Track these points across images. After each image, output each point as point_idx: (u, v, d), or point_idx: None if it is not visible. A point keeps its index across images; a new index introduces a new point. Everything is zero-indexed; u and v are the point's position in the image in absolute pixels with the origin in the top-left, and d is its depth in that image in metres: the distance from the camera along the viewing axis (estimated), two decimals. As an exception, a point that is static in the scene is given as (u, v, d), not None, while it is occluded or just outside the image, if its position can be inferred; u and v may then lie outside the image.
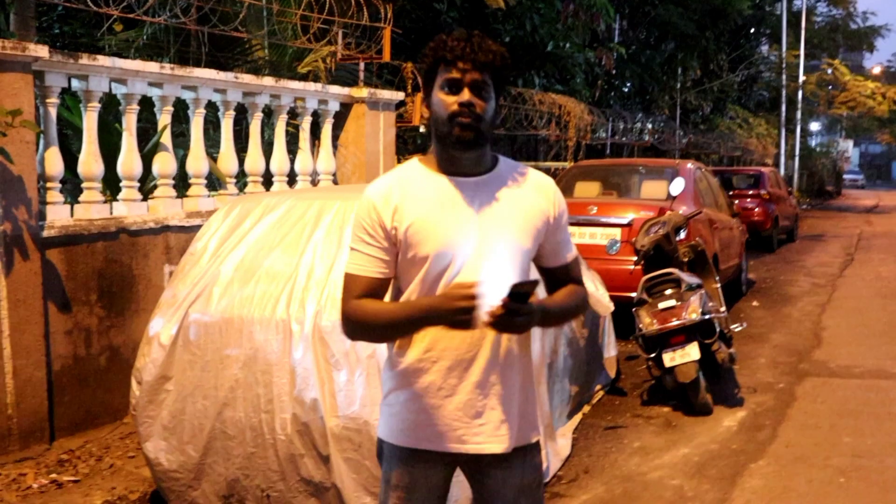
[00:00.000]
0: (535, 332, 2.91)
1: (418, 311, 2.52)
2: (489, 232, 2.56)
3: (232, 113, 7.64)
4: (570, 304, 2.75)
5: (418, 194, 2.58)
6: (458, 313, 2.41)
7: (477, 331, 2.49)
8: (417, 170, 2.65)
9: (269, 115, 8.47)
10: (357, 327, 2.64)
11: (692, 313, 6.71)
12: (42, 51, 5.64)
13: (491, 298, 2.39)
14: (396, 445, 2.69)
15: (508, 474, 2.69)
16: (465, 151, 2.56)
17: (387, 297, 2.66)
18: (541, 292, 2.69)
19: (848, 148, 65.45)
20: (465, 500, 4.14)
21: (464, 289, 2.41)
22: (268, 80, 7.95)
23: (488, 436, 2.61)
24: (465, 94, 2.51)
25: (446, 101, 2.53)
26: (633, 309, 7.03)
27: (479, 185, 2.61)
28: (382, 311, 2.60)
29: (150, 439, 4.73)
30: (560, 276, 2.76)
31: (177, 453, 4.67)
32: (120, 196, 6.61)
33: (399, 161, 10.19)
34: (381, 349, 4.23)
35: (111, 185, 6.70)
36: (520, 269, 2.59)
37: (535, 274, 2.70)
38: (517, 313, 2.39)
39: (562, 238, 2.72)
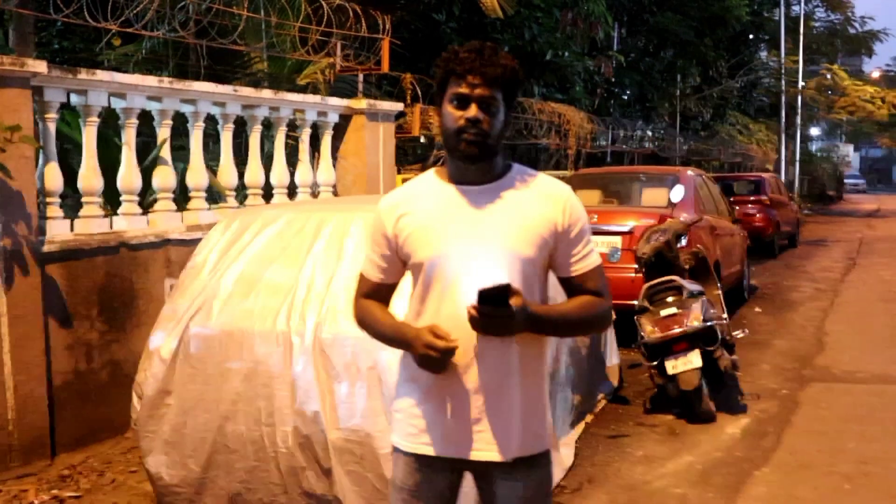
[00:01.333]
0: (550, 342, 2.85)
1: (400, 337, 2.65)
2: (486, 240, 2.57)
3: (231, 126, 7.65)
4: (578, 314, 2.67)
5: (422, 204, 2.67)
6: (423, 359, 2.55)
7: (473, 337, 2.51)
8: (430, 180, 2.73)
9: (268, 127, 8.47)
10: (361, 325, 2.84)
11: (694, 321, 6.69)
12: (41, 66, 5.64)
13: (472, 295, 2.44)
14: (403, 451, 2.72)
15: (514, 484, 2.67)
16: (471, 163, 2.60)
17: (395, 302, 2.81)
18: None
19: (848, 152, 65.50)
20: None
21: (433, 338, 2.50)
22: (267, 93, 7.96)
23: (487, 443, 2.60)
24: (472, 110, 2.53)
25: (454, 115, 2.55)
26: (635, 317, 7.01)
27: (484, 192, 2.62)
28: (379, 322, 2.75)
29: (151, 454, 4.72)
30: (574, 286, 2.69)
31: (178, 467, 4.65)
32: (120, 210, 6.61)
33: (399, 172, 10.21)
34: (382, 362, 4.24)
35: (111, 199, 6.70)
36: (521, 278, 2.57)
37: (551, 283, 2.70)
38: (489, 315, 2.40)
39: (577, 248, 2.66)
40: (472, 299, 2.42)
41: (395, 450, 2.76)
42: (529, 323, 2.51)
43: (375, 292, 2.78)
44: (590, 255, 2.69)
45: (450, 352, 2.50)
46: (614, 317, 7.13)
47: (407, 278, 2.77)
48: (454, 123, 2.55)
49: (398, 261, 2.72)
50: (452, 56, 2.58)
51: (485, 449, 2.61)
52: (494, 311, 2.40)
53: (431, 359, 2.52)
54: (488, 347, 2.55)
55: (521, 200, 2.63)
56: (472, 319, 2.43)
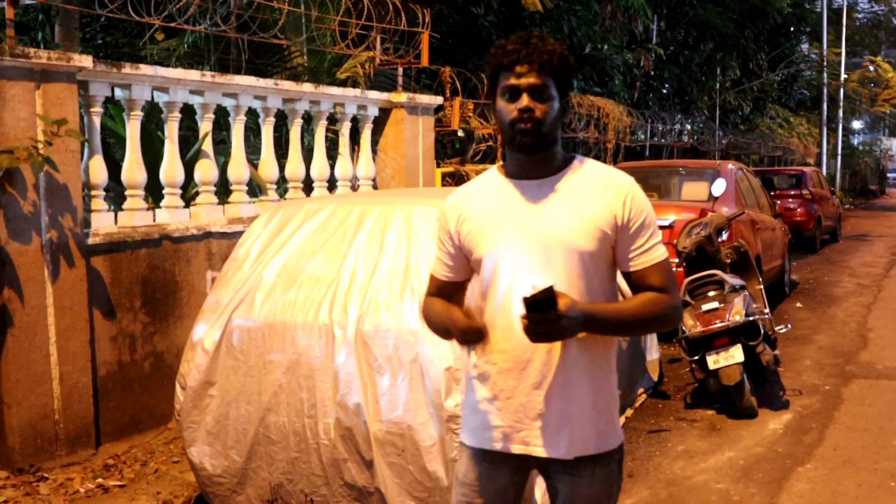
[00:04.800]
0: (615, 338, 2.77)
1: (447, 323, 2.67)
2: (544, 234, 2.55)
3: (272, 119, 7.69)
4: (637, 311, 2.58)
5: (482, 200, 2.68)
6: (462, 338, 2.64)
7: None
8: (492, 177, 2.73)
9: (308, 121, 8.51)
10: (426, 322, 2.86)
11: (736, 315, 6.64)
12: (86, 61, 5.71)
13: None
14: (466, 445, 2.75)
15: (576, 482, 2.64)
16: (530, 155, 2.58)
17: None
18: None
19: (891, 146, 64.37)
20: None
21: (472, 325, 2.58)
22: (307, 87, 8.00)
23: (548, 439, 2.59)
24: (524, 100, 2.51)
25: (507, 109, 2.54)
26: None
27: (543, 186, 2.60)
28: (436, 312, 2.76)
29: (194, 444, 4.76)
30: (636, 281, 2.62)
31: (221, 458, 4.69)
32: (162, 203, 6.68)
33: (438, 166, 10.22)
34: (424, 354, 4.25)
35: (154, 192, 6.77)
36: (581, 272, 2.54)
37: (621, 280, 2.70)
38: (538, 322, 2.37)
39: (638, 241, 2.58)
40: (520, 308, 2.41)
41: (461, 445, 2.78)
42: (584, 324, 2.46)
43: (442, 290, 2.81)
44: (653, 250, 2.60)
45: (481, 330, 2.58)
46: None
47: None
48: (508, 116, 2.53)
49: (463, 258, 2.74)
50: (499, 50, 2.56)
51: (546, 445, 2.59)
52: (541, 316, 2.36)
53: (469, 333, 2.60)
54: (548, 343, 2.52)
55: (581, 192, 2.58)
56: (525, 329, 2.41)
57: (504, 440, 2.64)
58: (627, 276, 2.65)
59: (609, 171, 2.67)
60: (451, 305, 2.72)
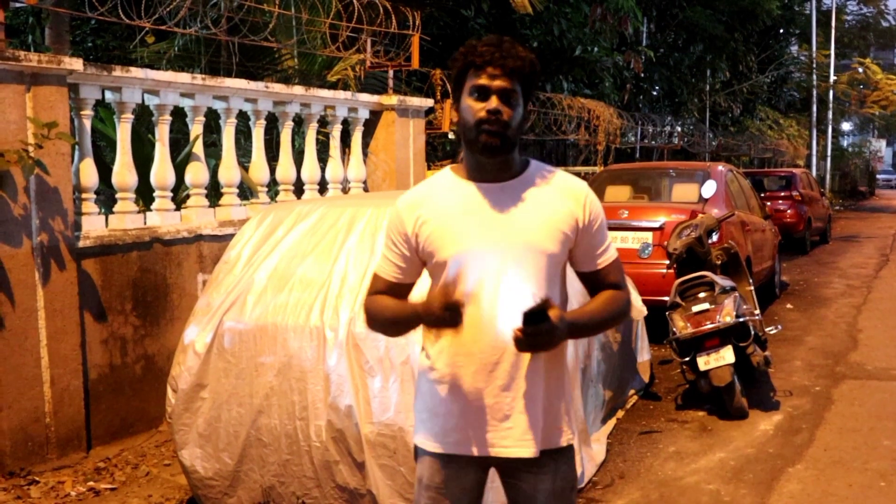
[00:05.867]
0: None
1: (411, 310, 2.61)
2: (509, 237, 2.57)
3: (263, 122, 7.69)
4: (605, 312, 2.69)
5: (442, 202, 2.64)
6: (438, 320, 2.50)
7: (500, 335, 2.51)
8: (447, 178, 2.70)
9: (299, 123, 8.51)
10: (370, 319, 2.79)
11: (726, 316, 6.65)
12: (77, 64, 5.70)
13: (511, 309, 2.44)
14: (428, 452, 2.72)
15: (540, 478, 2.68)
16: (491, 157, 2.58)
17: None
18: (568, 299, 2.67)
19: (881, 147, 64.71)
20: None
21: (445, 292, 2.44)
22: (298, 89, 8.00)
23: (516, 440, 2.61)
24: (493, 102, 2.52)
25: (474, 108, 2.54)
26: (667, 312, 6.98)
27: (505, 189, 2.62)
28: (387, 307, 2.70)
29: (185, 447, 4.76)
30: (596, 280, 2.72)
31: (212, 461, 4.69)
32: (153, 206, 6.67)
33: (429, 168, 10.22)
34: (415, 356, 4.25)
35: (144, 195, 6.76)
36: (545, 273, 2.58)
37: (573, 281, 2.71)
38: (535, 334, 2.39)
39: (596, 242, 2.67)
40: (509, 320, 2.43)
41: (419, 450, 2.76)
42: (569, 332, 2.52)
43: (389, 291, 2.73)
44: (610, 249, 2.72)
45: (460, 305, 2.44)
46: (646, 312, 7.19)
47: (423, 279, 2.76)
48: (474, 116, 2.53)
49: (418, 260, 2.70)
50: (471, 49, 2.56)
51: (515, 446, 2.62)
52: (536, 328, 2.38)
53: (443, 320, 2.48)
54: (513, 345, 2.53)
55: (542, 197, 2.62)
56: (517, 341, 2.42)
57: (468, 443, 2.64)
58: (589, 274, 2.72)
59: (566, 177, 2.71)
60: (402, 302, 2.70)
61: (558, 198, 2.63)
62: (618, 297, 2.71)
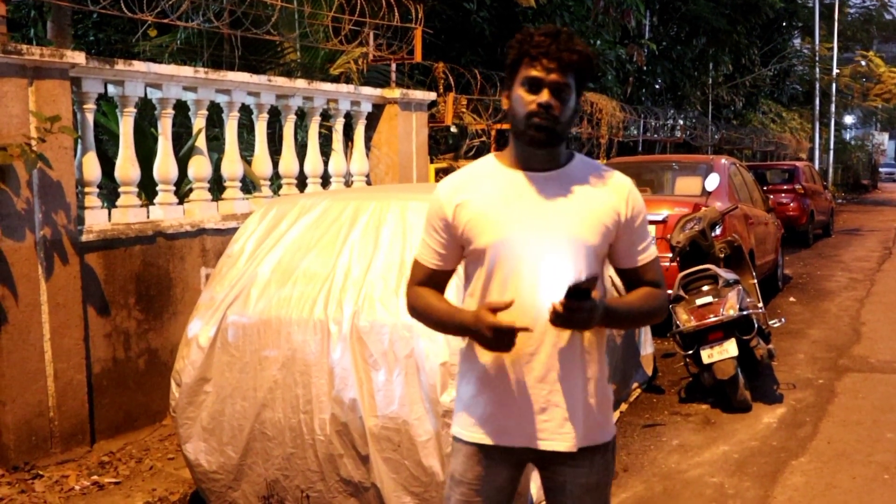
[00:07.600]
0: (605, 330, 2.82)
1: (458, 322, 2.60)
2: (551, 226, 2.55)
3: (265, 116, 7.68)
4: (642, 306, 2.69)
5: (484, 189, 2.62)
6: (487, 340, 2.48)
7: (538, 325, 2.50)
8: (490, 165, 2.69)
9: (302, 117, 8.51)
10: (414, 313, 2.78)
11: (730, 309, 6.65)
12: (79, 57, 5.69)
13: (551, 294, 2.43)
14: (464, 441, 2.71)
15: (576, 473, 2.66)
16: (538, 149, 2.58)
17: (451, 290, 2.79)
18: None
19: (883, 141, 64.57)
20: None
21: (495, 318, 2.44)
22: (300, 83, 7.99)
23: (552, 432, 2.59)
24: (545, 96, 2.50)
25: (525, 99, 2.52)
26: (670, 306, 6.97)
27: (549, 179, 2.60)
28: (434, 308, 2.69)
29: (189, 441, 4.76)
30: (634, 277, 2.71)
31: (216, 454, 4.69)
32: (156, 200, 6.66)
33: (432, 161, 10.22)
34: (419, 350, 4.25)
35: (147, 189, 6.76)
36: (585, 265, 2.56)
37: (608, 270, 2.71)
38: (576, 310, 2.39)
39: (636, 239, 2.66)
40: (550, 292, 2.42)
41: (456, 440, 2.74)
42: (603, 317, 2.50)
43: (430, 279, 2.72)
44: (651, 246, 2.71)
45: (513, 330, 2.43)
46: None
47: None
48: (525, 107, 2.52)
49: (457, 246, 2.68)
50: (527, 38, 2.53)
51: (551, 439, 2.60)
52: (580, 304, 2.38)
53: (497, 339, 2.46)
54: (553, 335, 2.54)
55: (586, 189, 2.61)
56: (556, 315, 2.40)
57: (506, 434, 2.62)
58: (628, 271, 2.71)
59: (611, 171, 2.70)
60: (451, 304, 2.69)
61: (602, 191, 2.62)
62: (657, 294, 2.71)
